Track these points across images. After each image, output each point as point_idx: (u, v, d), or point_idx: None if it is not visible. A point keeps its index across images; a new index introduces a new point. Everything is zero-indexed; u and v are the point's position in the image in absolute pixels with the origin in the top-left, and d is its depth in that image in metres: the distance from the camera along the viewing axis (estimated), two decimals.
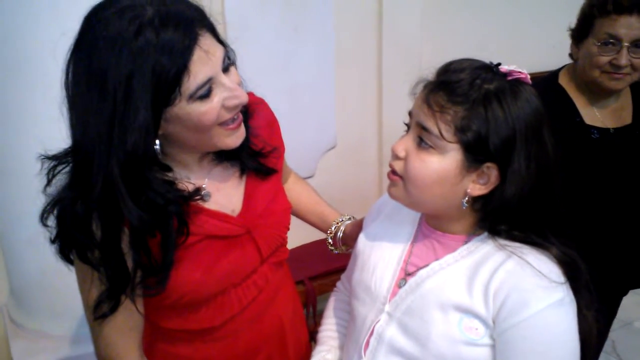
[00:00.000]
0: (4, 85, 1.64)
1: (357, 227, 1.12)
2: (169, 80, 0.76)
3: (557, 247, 0.85)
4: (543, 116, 0.84)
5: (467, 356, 0.83)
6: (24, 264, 1.83)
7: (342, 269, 1.19)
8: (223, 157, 0.96)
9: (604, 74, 1.39)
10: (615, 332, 2.38)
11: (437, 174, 0.83)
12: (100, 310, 0.86)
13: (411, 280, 0.90)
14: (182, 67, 0.76)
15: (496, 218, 0.86)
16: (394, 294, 0.92)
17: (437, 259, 0.90)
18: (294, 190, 1.25)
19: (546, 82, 1.53)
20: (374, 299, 0.94)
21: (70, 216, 0.81)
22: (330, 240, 1.23)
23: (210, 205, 0.94)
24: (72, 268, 0.90)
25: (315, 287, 2.01)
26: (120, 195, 0.78)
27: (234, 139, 0.89)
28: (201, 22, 0.79)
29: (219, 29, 0.85)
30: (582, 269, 0.85)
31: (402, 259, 0.94)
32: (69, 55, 0.79)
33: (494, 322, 0.82)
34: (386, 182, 0.91)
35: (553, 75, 1.54)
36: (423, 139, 0.84)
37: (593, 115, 1.47)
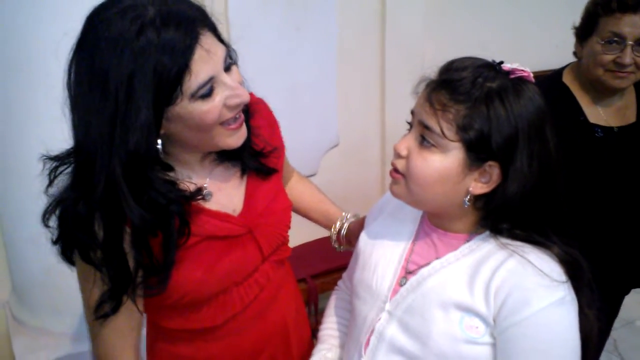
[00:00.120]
0: (7, 85, 1.64)
1: (361, 224, 1.12)
2: (170, 79, 0.76)
3: (558, 246, 0.84)
4: (546, 114, 0.83)
5: (467, 355, 0.83)
6: (26, 261, 1.84)
7: (344, 267, 1.19)
8: (224, 157, 0.97)
9: (608, 73, 1.39)
10: (617, 331, 2.38)
11: (439, 173, 0.83)
12: (101, 310, 0.87)
13: (412, 279, 0.90)
14: (183, 66, 0.76)
15: (498, 216, 0.86)
16: (394, 292, 0.92)
17: (438, 258, 0.90)
18: (297, 188, 1.25)
19: (550, 80, 1.53)
20: (374, 298, 0.94)
21: (73, 216, 0.81)
22: (334, 238, 1.23)
23: (212, 205, 0.94)
24: (74, 268, 0.90)
25: (317, 285, 2.02)
26: (123, 195, 0.79)
27: (235, 139, 0.89)
28: (202, 22, 0.80)
29: (221, 28, 0.85)
30: (583, 268, 0.85)
31: (403, 257, 0.94)
32: (71, 56, 0.80)
33: (494, 321, 0.82)
34: (389, 180, 0.90)
35: (557, 73, 1.54)
36: (425, 138, 0.84)
37: (597, 114, 1.47)
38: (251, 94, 0.97)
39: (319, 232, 1.31)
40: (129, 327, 0.92)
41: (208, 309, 0.97)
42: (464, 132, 0.80)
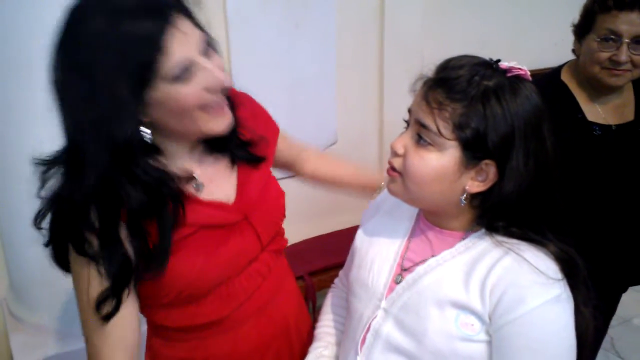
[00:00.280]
0: (6, 84, 1.64)
1: None
2: (145, 61, 0.77)
3: (554, 243, 0.84)
4: (543, 113, 0.83)
5: (463, 352, 0.83)
6: (23, 258, 1.83)
7: (341, 265, 1.19)
8: (213, 148, 0.97)
9: (604, 70, 1.39)
10: (614, 329, 2.39)
11: (435, 171, 0.83)
12: (103, 310, 0.86)
13: (408, 277, 0.90)
14: (157, 46, 0.77)
15: (494, 215, 0.86)
16: (390, 290, 0.92)
17: (433, 255, 0.90)
18: (323, 165, 1.28)
19: (548, 78, 1.53)
20: (370, 295, 0.94)
21: (68, 207, 0.82)
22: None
23: (204, 195, 0.95)
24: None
25: (315, 283, 2.02)
26: (118, 182, 0.81)
27: (219, 123, 0.89)
28: (176, 7, 0.81)
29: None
30: (579, 266, 0.85)
31: (398, 254, 0.94)
32: (51, 55, 0.81)
33: (490, 319, 0.82)
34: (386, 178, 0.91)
35: (555, 71, 1.54)
36: (422, 136, 0.84)
37: (595, 112, 1.47)
38: (232, 90, 0.98)
39: (317, 230, 1.31)
40: (130, 329, 0.91)
41: (212, 301, 0.97)
42: (460, 131, 0.80)
